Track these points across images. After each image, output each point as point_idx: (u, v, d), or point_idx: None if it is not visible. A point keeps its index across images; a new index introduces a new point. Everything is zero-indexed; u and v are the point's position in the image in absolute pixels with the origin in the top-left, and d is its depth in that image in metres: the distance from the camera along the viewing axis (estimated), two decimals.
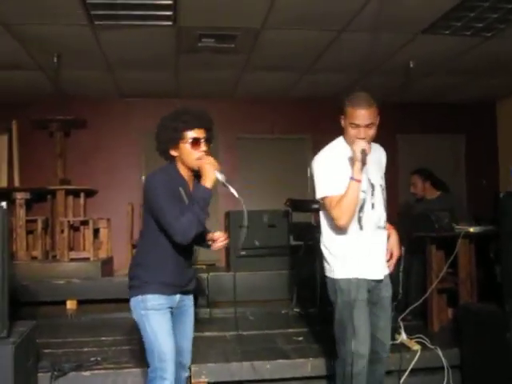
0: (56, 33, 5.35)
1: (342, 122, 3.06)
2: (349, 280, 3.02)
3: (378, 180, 3.14)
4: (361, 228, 3.02)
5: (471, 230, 4.41)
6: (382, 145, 3.34)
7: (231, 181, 2.77)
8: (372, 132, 3.00)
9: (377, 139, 3.20)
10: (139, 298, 2.81)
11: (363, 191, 3.02)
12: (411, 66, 6.53)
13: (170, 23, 5.20)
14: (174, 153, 2.83)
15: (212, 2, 4.80)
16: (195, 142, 2.78)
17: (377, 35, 5.58)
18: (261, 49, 6.04)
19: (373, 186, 3.07)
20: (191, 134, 2.78)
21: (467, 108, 8.73)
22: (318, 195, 3.08)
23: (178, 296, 2.92)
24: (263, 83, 7.51)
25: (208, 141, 2.85)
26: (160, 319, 2.81)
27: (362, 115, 2.94)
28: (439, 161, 7.90)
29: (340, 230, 3.03)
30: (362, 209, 3.01)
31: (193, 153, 2.79)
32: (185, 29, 5.39)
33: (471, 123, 8.79)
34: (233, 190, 2.75)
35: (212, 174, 2.73)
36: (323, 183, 3.05)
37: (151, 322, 2.79)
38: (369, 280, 3.06)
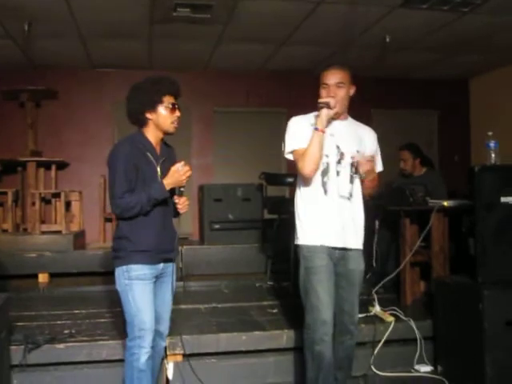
0: None
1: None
2: (310, 246, 3.13)
3: (351, 151, 3.15)
4: (325, 192, 3.11)
5: (445, 203, 4.44)
6: (357, 119, 3.37)
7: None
8: (342, 93, 3.10)
9: (352, 113, 3.28)
10: (123, 268, 2.88)
11: (326, 155, 3.10)
12: (387, 40, 6.52)
13: None
14: (149, 116, 2.93)
15: None
16: (173, 107, 2.93)
17: (354, 8, 5.54)
18: (237, 20, 5.95)
19: (341, 155, 3.13)
20: (170, 99, 2.93)
21: (441, 84, 8.79)
22: (287, 151, 3.18)
23: (161, 265, 2.97)
24: (239, 55, 7.42)
25: (179, 108, 2.99)
26: (143, 289, 2.87)
27: (331, 73, 3.11)
28: (413, 136, 7.89)
29: (310, 187, 3.12)
30: (326, 173, 3.11)
31: (170, 117, 2.93)
32: None
33: (445, 99, 8.86)
34: (178, 201, 2.96)
35: (178, 183, 2.89)
36: (290, 139, 3.17)
37: (134, 291, 2.85)
38: (330, 247, 3.12)
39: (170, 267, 3.07)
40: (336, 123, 3.16)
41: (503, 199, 3.53)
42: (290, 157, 3.20)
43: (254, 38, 6.66)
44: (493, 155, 3.70)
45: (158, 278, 2.99)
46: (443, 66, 8.02)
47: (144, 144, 2.93)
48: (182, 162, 2.89)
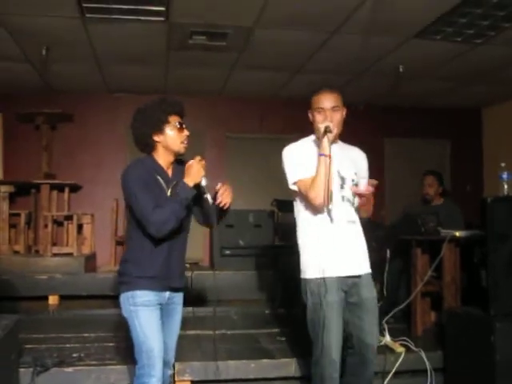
0: (46, 24, 5.27)
1: (311, 117, 3.16)
2: (318, 280, 3.00)
3: (350, 175, 3.14)
4: (331, 220, 3.03)
5: (457, 234, 4.42)
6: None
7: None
8: (338, 116, 3.07)
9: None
10: (128, 293, 2.81)
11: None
12: (401, 69, 6.56)
13: (162, 19, 5.16)
14: (157, 138, 2.87)
15: None
16: (180, 127, 2.87)
17: (369, 38, 5.59)
18: (252, 48, 6.02)
19: (343, 180, 3.10)
20: (176, 119, 2.88)
21: (454, 114, 8.80)
22: (291, 181, 3.12)
23: (167, 293, 2.91)
24: (253, 82, 7.50)
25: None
26: (149, 315, 2.80)
27: (326, 98, 3.07)
28: (425, 165, 7.90)
29: (315, 216, 3.05)
30: (330, 200, 2.99)
31: (178, 136, 2.87)
32: (176, 25, 5.35)
33: (457, 129, 8.86)
34: (208, 196, 2.84)
35: (198, 178, 2.80)
36: (293, 169, 3.11)
37: (140, 318, 2.79)
38: (342, 277, 3.03)
39: (178, 297, 3.02)
40: (332, 147, 3.04)
41: None
42: (294, 188, 3.13)
43: (268, 66, 6.73)
44: (505, 186, 3.70)
45: (165, 307, 2.93)
46: (456, 95, 8.04)
47: (154, 168, 2.87)
48: (198, 157, 2.83)
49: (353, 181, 3.12)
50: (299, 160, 3.10)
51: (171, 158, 2.92)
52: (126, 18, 5.13)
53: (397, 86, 7.27)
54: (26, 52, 6.09)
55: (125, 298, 2.83)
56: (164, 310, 2.93)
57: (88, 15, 5.06)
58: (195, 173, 2.79)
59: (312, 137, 3.22)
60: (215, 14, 5.13)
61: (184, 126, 2.89)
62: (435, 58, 6.29)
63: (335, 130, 3.01)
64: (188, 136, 2.90)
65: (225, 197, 2.87)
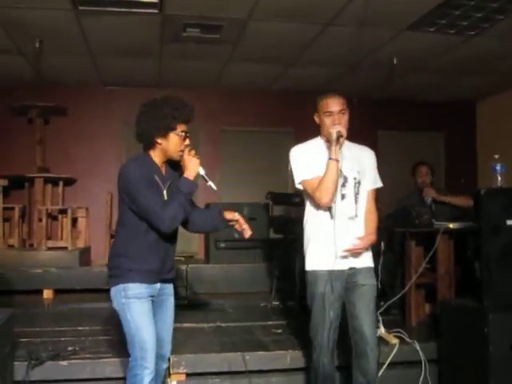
0: (39, 17, 5.25)
1: (317, 119, 3.27)
2: (314, 272, 3.21)
3: (353, 174, 3.25)
4: (331, 216, 3.16)
5: (451, 225, 4.44)
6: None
7: (209, 174, 2.93)
8: (345, 119, 3.19)
9: (358, 135, 3.38)
10: (120, 286, 2.83)
11: None
12: (395, 62, 6.56)
13: (155, 11, 5.15)
14: (159, 140, 2.87)
15: None
16: (184, 136, 2.88)
17: (362, 30, 5.59)
18: (246, 40, 6.01)
19: (345, 178, 3.21)
20: (182, 127, 2.87)
21: (448, 106, 8.81)
22: (297, 181, 3.26)
23: (158, 284, 2.94)
24: (247, 75, 7.48)
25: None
26: (141, 308, 2.83)
27: (334, 102, 3.18)
28: (419, 158, 7.93)
29: (317, 211, 3.21)
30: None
31: (179, 145, 2.87)
32: (170, 17, 5.34)
33: (451, 122, 8.88)
34: (211, 183, 2.93)
35: (196, 168, 2.84)
36: (301, 169, 3.24)
37: (132, 310, 2.81)
38: (338, 271, 3.16)
39: (169, 288, 3.06)
40: None
41: (509, 222, 3.51)
42: (299, 187, 3.28)
43: (262, 59, 6.72)
44: (499, 178, 3.70)
45: (156, 299, 2.95)
46: (450, 88, 8.05)
47: (152, 167, 2.89)
48: (187, 150, 2.87)
49: (355, 179, 3.24)
50: (305, 161, 3.23)
51: (165, 159, 2.95)
52: (119, 11, 5.12)
53: (391, 79, 7.28)
54: (18, 45, 6.06)
55: (116, 291, 2.85)
56: (156, 302, 2.96)
57: (81, 7, 5.04)
58: (192, 165, 2.83)
59: (318, 138, 3.32)
60: (209, 7, 5.12)
61: (188, 135, 2.90)
62: (429, 50, 6.29)
63: (345, 133, 3.14)
64: (187, 145, 2.89)
65: (247, 228, 3.08)
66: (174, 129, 2.84)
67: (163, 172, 2.95)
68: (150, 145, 2.91)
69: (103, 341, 4.21)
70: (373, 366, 3.23)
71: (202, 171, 2.88)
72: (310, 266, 3.25)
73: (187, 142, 2.89)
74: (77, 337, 4.32)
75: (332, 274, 3.14)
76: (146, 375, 2.79)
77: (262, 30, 5.70)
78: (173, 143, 2.86)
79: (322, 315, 3.15)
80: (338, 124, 3.12)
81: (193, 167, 2.83)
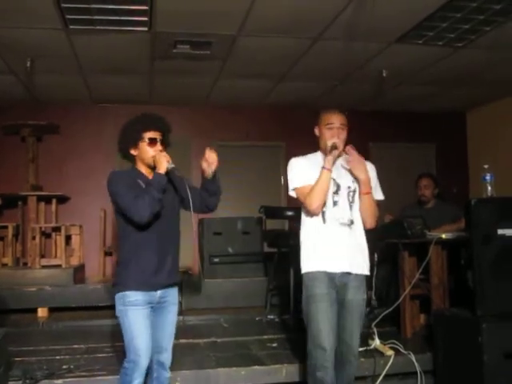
0: (30, 37, 5.27)
1: (317, 132, 3.41)
2: (310, 274, 3.28)
3: (347, 182, 3.35)
4: (324, 221, 3.29)
5: (443, 236, 4.47)
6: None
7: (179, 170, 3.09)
8: (344, 134, 3.33)
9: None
10: (120, 294, 2.97)
11: None
12: (384, 74, 6.61)
13: (145, 29, 5.18)
14: (133, 152, 3.10)
15: (188, 8, 4.78)
16: (151, 142, 3.05)
17: (351, 44, 5.64)
18: (236, 56, 6.04)
19: (338, 186, 3.32)
20: (148, 135, 3.05)
21: (438, 117, 8.89)
22: (291, 187, 3.40)
23: (158, 292, 3.03)
24: (238, 90, 7.52)
25: (164, 142, 3.12)
26: (137, 315, 2.94)
27: (336, 116, 3.34)
28: (411, 169, 7.99)
29: (311, 217, 3.32)
30: (324, 204, 3.28)
31: (149, 151, 3.05)
32: (160, 35, 5.37)
33: (442, 132, 8.96)
34: (180, 174, 3.12)
35: (164, 164, 2.99)
36: (295, 177, 3.38)
37: (129, 317, 2.94)
38: (331, 273, 3.23)
39: (171, 296, 3.12)
40: (337, 160, 3.35)
41: (500, 231, 3.54)
42: (293, 194, 3.41)
43: (252, 74, 6.76)
44: (489, 188, 3.74)
45: (156, 306, 3.04)
46: (440, 99, 8.12)
47: (136, 174, 3.08)
48: (158, 149, 3.05)
49: (349, 187, 3.35)
50: (301, 170, 3.37)
51: (148, 168, 3.10)
52: (110, 29, 5.15)
53: (381, 91, 7.34)
54: (10, 64, 6.09)
55: (117, 298, 2.99)
56: (156, 309, 3.05)
57: (71, 27, 5.07)
58: (160, 161, 2.99)
59: (318, 153, 3.45)
60: (198, 23, 5.15)
61: (157, 141, 3.06)
62: (418, 62, 6.34)
63: (341, 147, 3.29)
64: (161, 150, 3.06)
65: (211, 156, 3.13)
66: (141, 138, 3.04)
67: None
68: (129, 158, 3.13)
69: (98, 359, 4.20)
70: (354, 371, 3.38)
71: (170, 165, 3.01)
72: (305, 268, 3.31)
73: (158, 147, 3.06)
74: (72, 355, 4.30)
75: (326, 276, 3.22)
76: (136, 377, 2.93)
77: (251, 46, 5.74)
78: (143, 151, 3.06)
79: (321, 317, 3.18)
80: (336, 137, 3.26)
81: (161, 162, 2.98)
